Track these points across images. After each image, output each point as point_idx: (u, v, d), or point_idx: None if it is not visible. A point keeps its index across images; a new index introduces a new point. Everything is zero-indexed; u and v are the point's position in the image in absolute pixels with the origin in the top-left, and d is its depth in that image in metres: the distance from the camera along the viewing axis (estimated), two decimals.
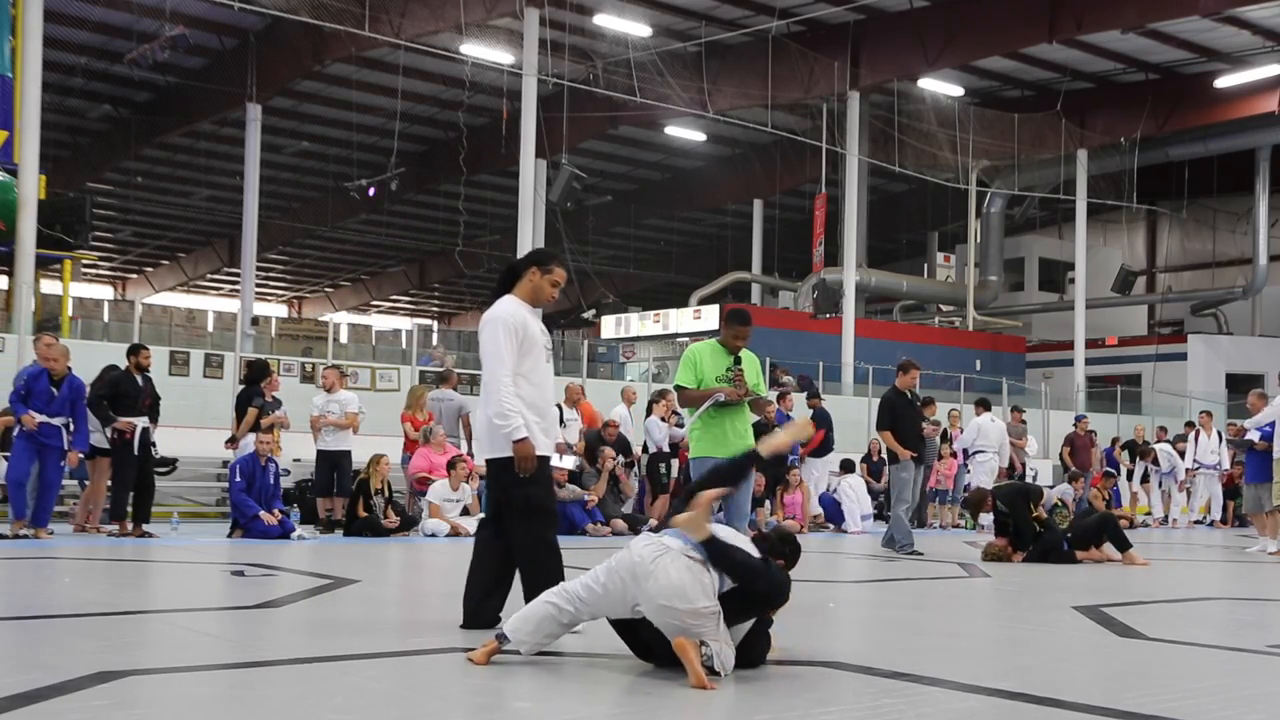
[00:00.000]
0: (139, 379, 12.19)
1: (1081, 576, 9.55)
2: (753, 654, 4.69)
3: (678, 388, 7.30)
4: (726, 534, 4.81)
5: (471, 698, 4.07)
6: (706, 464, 6.96)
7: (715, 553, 4.53)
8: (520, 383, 5.43)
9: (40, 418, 11.04)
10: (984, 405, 17.75)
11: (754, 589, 4.58)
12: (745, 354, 7.23)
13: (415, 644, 5.29)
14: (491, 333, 5.43)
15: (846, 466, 17.21)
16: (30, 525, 11.10)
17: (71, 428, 11.28)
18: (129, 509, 12.00)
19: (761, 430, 14.98)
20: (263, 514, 12.04)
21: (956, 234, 36.51)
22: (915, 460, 11.85)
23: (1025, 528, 11.01)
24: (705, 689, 4.22)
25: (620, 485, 14.97)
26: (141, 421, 12.09)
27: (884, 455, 14.80)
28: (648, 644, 4.62)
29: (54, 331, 14.63)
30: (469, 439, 15.07)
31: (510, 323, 5.42)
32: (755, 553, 4.78)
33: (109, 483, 12.55)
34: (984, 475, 16.88)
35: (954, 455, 17.96)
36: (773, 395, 18.76)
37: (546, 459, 5.57)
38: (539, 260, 5.61)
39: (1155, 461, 20.16)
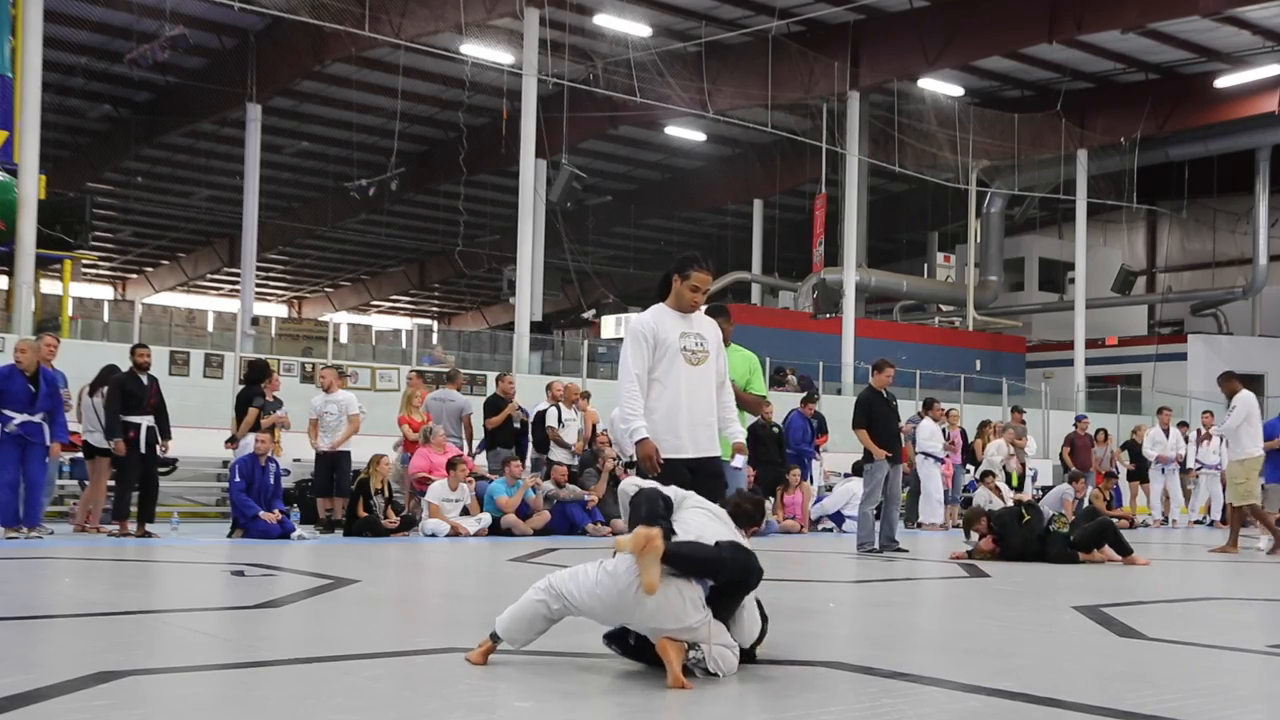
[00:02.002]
0: (144, 379, 12.14)
1: (1081, 576, 9.55)
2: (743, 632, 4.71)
3: None
4: (694, 519, 4.77)
5: (471, 698, 4.07)
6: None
7: (676, 565, 4.47)
8: (655, 386, 5.59)
9: (21, 417, 10.93)
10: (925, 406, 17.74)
11: (719, 580, 4.54)
12: (734, 349, 7.20)
13: (415, 644, 5.29)
14: (624, 342, 5.71)
15: (858, 470, 17.17)
16: (24, 525, 11.06)
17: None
18: (132, 509, 11.97)
19: (760, 430, 15.08)
20: (263, 514, 12.03)
21: (956, 234, 36.50)
22: (890, 460, 11.97)
23: (1013, 539, 11.06)
24: (684, 689, 4.24)
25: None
26: (145, 420, 12.02)
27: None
28: (637, 647, 4.63)
29: (54, 331, 14.62)
30: (469, 439, 15.09)
31: (639, 330, 5.63)
32: (726, 530, 4.73)
33: (109, 483, 12.55)
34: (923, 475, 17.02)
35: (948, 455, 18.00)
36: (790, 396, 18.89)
37: (678, 461, 5.55)
38: (678, 267, 5.72)
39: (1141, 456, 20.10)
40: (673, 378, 5.59)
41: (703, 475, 5.56)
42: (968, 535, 11.53)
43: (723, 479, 5.74)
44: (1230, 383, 13.28)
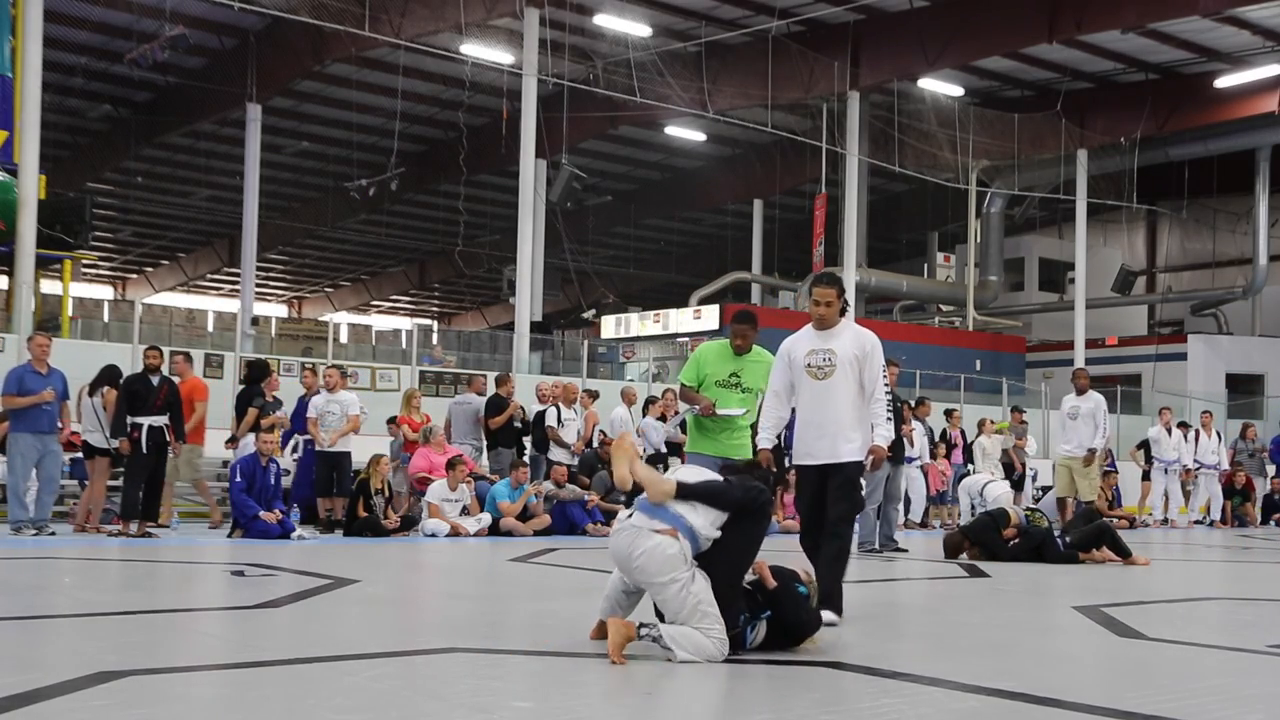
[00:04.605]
0: (153, 380, 12.08)
1: (1081, 576, 9.55)
2: (802, 623, 5.10)
3: (681, 384, 7.48)
4: (691, 472, 5.14)
5: (471, 698, 4.07)
6: (697, 460, 7.26)
7: (686, 495, 4.84)
8: (795, 401, 6.27)
9: None
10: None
11: (731, 507, 4.85)
12: (758, 355, 7.22)
13: (415, 644, 5.29)
14: None
15: None
16: None
17: None
18: (139, 507, 11.91)
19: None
20: (263, 514, 12.02)
21: (956, 234, 36.49)
22: (891, 460, 11.90)
23: (999, 551, 11.05)
24: (615, 663, 4.51)
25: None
26: (150, 420, 11.94)
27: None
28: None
29: (53, 331, 14.61)
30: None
31: (780, 350, 6.35)
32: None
33: (109, 482, 12.51)
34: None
35: (948, 456, 17.99)
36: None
37: (807, 468, 6.23)
38: (809, 287, 6.31)
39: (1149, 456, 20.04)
40: (800, 392, 6.21)
41: (830, 479, 6.15)
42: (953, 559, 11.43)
43: (850, 483, 6.21)
44: (1080, 379, 13.76)
